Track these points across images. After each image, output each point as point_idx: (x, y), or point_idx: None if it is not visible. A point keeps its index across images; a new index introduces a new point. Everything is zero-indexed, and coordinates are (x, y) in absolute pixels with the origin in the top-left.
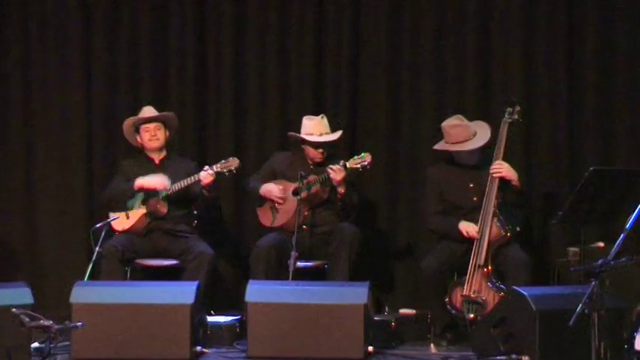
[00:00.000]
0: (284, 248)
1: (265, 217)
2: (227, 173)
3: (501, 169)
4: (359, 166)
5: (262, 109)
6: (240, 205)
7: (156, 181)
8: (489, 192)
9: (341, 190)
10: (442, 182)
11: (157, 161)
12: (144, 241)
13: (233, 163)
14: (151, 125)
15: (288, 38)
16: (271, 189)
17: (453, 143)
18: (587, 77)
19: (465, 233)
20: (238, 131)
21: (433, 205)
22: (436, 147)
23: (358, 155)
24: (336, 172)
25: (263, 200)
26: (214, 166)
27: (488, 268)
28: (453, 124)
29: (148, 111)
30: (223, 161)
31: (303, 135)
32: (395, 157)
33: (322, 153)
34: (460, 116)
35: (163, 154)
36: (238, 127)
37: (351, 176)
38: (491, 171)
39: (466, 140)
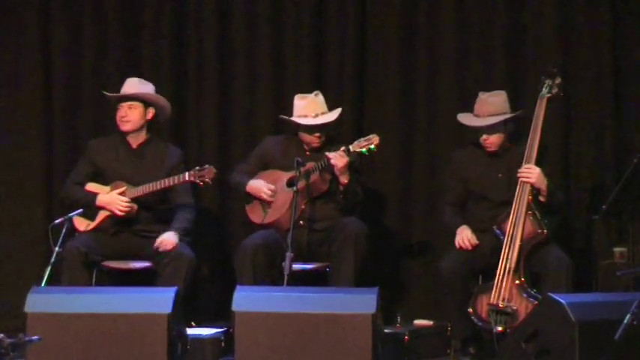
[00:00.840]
0: (277, 248)
1: (255, 214)
2: (201, 184)
3: (530, 175)
4: (364, 149)
5: (251, 89)
6: (224, 199)
7: (119, 205)
8: (521, 187)
9: (344, 179)
10: (466, 169)
11: (133, 145)
12: (112, 241)
13: (208, 173)
14: (125, 104)
15: (281, 2)
16: (259, 186)
17: (475, 116)
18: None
19: (456, 245)
20: (223, 113)
21: (450, 193)
22: (460, 117)
23: (364, 137)
24: (337, 159)
25: (251, 197)
26: (186, 174)
27: (520, 272)
28: (491, 94)
29: (128, 85)
30: (197, 169)
31: (295, 118)
32: (409, 142)
33: (319, 137)
34: (503, 92)
35: (143, 137)
36: (223, 109)
37: (356, 162)
38: (520, 175)
39: (487, 115)
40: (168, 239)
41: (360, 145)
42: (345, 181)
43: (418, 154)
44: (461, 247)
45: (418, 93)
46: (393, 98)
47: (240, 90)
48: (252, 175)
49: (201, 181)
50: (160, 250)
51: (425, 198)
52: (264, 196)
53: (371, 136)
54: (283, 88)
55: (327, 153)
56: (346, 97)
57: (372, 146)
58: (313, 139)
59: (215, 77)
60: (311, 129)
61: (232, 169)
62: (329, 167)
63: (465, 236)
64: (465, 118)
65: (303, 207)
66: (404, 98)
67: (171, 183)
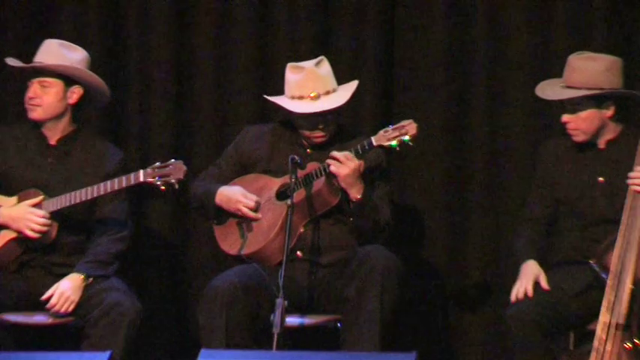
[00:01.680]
0: (262, 292)
1: (229, 240)
2: (163, 187)
3: None
4: (394, 141)
5: (222, 53)
6: (182, 217)
7: (31, 222)
8: (633, 200)
9: (354, 193)
10: (556, 168)
11: (52, 140)
12: (15, 281)
13: (175, 171)
14: (35, 80)
15: None
16: (235, 196)
17: (564, 87)
18: None
19: (512, 297)
20: (180, 96)
21: (532, 205)
22: (540, 87)
23: (394, 125)
24: (338, 166)
25: (223, 214)
26: (140, 173)
27: (632, 331)
28: (588, 56)
29: (43, 52)
30: (159, 165)
31: (285, 101)
32: (461, 132)
33: (323, 129)
34: (609, 58)
35: (65, 128)
36: (180, 90)
37: (382, 162)
38: (630, 182)
39: (575, 86)
40: (61, 294)
41: (388, 137)
42: (357, 196)
43: (474, 149)
44: (518, 298)
45: (473, 60)
46: (437, 68)
47: (205, 56)
48: (226, 182)
49: (165, 183)
50: (52, 312)
51: (485, 214)
52: (244, 211)
53: (405, 122)
54: (271, 53)
55: (333, 154)
56: (368, 67)
57: (407, 137)
58: (314, 134)
59: (167, 34)
60: (309, 119)
61: (195, 176)
62: (331, 174)
63: (525, 281)
64: (545, 89)
65: (302, 230)
66: (453, 68)
67: (116, 187)
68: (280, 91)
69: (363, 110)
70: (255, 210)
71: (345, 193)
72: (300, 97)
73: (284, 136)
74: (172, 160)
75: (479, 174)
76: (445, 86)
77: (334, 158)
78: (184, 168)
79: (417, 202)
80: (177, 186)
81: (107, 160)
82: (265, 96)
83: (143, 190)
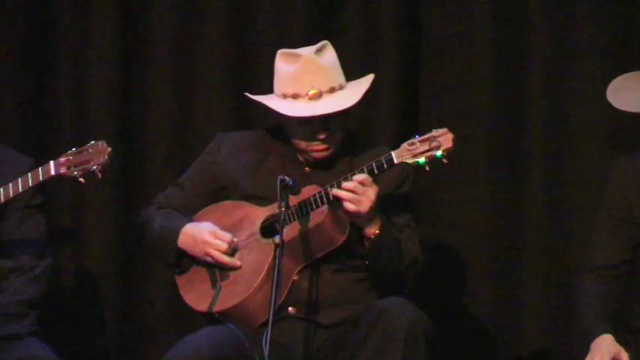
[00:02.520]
0: None
1: (196, 292)
2: (82, 180)
3: None
4: (421, 158)
5: (184, 34)
6: (130, 257)
7: None
8: None
9: (371, 229)
10: (634, 195)
11: None
12: None
13: (95, 155)
14: None
15: None
16: (202, 235)
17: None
18: None
19: None
20: (138, 97)
21: (599, 243)
22: (611, 90)
23: (421, 135)
24: (357, 196)
25: (188, 258)
26: (51, 165)
27: None
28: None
29: None
30: (73, 150)
31: (275, 100)
32: (510, 150)
33: (324, 139)
34: None
35: None
36: (136, 90)
37: (403, 186)
38: None
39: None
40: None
41: (414, 152)
42: (375, 231)
43: (528, 167)
44: None
45: (528, 49)
46: (479, 58)
47: (161, 43)
48: (193, 210)
49: (82, 173)
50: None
51: (543, 253)
52: (215, 256)
53: (436, 132)
54: (252, 37)
55: (344, 185)
56: (384, 56)
57: (439, 153)
58: (313, 146)
59: (110, 17)
60: (307, 125)
61: (148, 202)
62: (337, 203)
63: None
64: (620, 92)
65: (295, 278)
66: (501, 59)
67: (20, 189)
68: (266, 89)
69: (379, 114)
70: (232, 253)
71: (355, 228)
72: (295, 96)
73: (273, 149)
74: (91, 142)
75: (534, 200)
76: (490, 83)
77: (348, 190)
78: (108, 149)
79: (452, 237)
80: (100, 175)
81: (10, 171)
82: (247, 94)
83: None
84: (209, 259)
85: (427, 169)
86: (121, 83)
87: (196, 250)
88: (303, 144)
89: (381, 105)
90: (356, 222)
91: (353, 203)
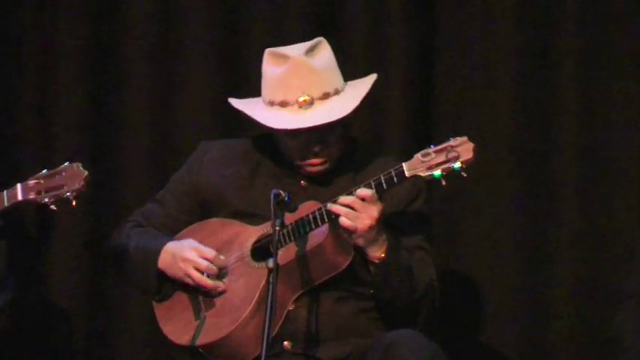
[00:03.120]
0: None
1: (176, 323)
2: (53, 207)
3: None
4: (437, 171)
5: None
6: (102, 294)
7: None
8: None
9: (375, 251)
10: None
11: None
12: None
13: (70, 179)
14: None
15: None
16: (184, 253)
17: None
18: None
19: None
20: (110, 101)
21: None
22: None
23: (437, 145)
24: (357, 213)
25: (168, 283)
26: (17, 188)
27: None
28: None
29: None
30: (44, 173)
31: (261, 109)
32: (539, 160)
33: (320, 153)
34: None
35: None
36: (107, 94)
37: (415, 202)
38: None
39: None
40: None
41: (428, 164)
42: (380, 255)
43: (560, 179)
44: None
45: (560, 46)
46: (503, 54)
47: (138, 40)
48: (174, 230)
49: (54, 199)
50: None
51: (577, 281)
52: (194, 277)
53: (454, 141)
54: (239, 34)
55: (341, 199)
56: (393, 55)
57: (457, 165)
58: (308, 161)
59: (77, 14)
60: (299, 139)
61: (122, 220)
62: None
63: None
64: None
65: (291, 308)
66: (528, 57)
67: None
68: (254, 91)
69: (387, 120)
70: (219, 275)
71: (359, 251)
72: (283, 104)
73: (265, 160)
74: (65, 164)
75: (567, 216)
76: (515, 84)
77: (346, 205)
78: (84, 173)
79: (473, 259)
80: (74, 202)
81: None
82: (231, 100)
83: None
84: (189, 281)
85: (443, 183)
86: (91, 89)
87: (176, 270)
88: (296, 159)
89: (389, 110)
90: (357, 243)
91: (350, 218)
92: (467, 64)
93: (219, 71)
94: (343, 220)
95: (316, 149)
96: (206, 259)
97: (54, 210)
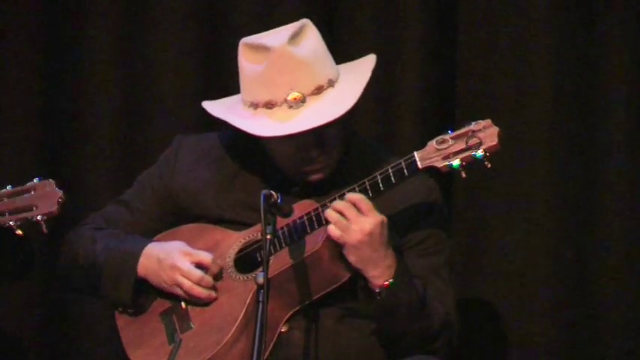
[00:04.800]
0: None
1: (146, 347)
2: (19, 232)
3: None
4: (456, 160)
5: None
6: (59, 316)
7: None
8: None
9: (377, 276)
10: None
11: None
12: None
13: (41, 199)
14: None
15: None
16: (167, 255)
17: None
18: None
19: None
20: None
21: None
22: None
23: (456, 130)
24: (347, 222)
25: (145, 297)
26: None
27: None
28: None
29: None
30: (8, 189)
31: (241, 115)
32: (579, 156)
33: (320, 158)
34: None
35: None
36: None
37: (430, 202)
38: None
39: None
40: None
41: (445, 152)
42: (383, 282)
43: (606, 182)
44: None
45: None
46: (533, 35)
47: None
48: (145, 236)
49: (22, 222)
50: None
51: (623, 299)
52: (185, 286)
53: (477, 125)
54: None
55: (335, 205)
56: (409, 38)
57: (479, 153)
58: (305, 168)
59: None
60: (292, 144)
61: (78, 223)
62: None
63: None
64: None
65: (284, 330)
66: (561, 44)
67: None
68: (226, 90)
69: (397, 109)
70: (211, 283)
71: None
72: (269, 105)
73: (250, 158)
74: (35, 181)
75: (614, 224)
76: (554, 70)
77: (337, 211)
78: (58, 193)
79: (499, 275)
80: (44, 226)
81: None
82: (205, 103)
83: None
84: (177, 290)
85: (463, 175)
86: (48, 76)
87: (161, 278)
88: (290, 167)
89: (400, 98)
90: (356, 266)
91: (339, 228)
92: (495, 41)
93: (198, 57)
94: (331, 229)
95: (314, 154)
96: (201, 266)
97: (20, 234)
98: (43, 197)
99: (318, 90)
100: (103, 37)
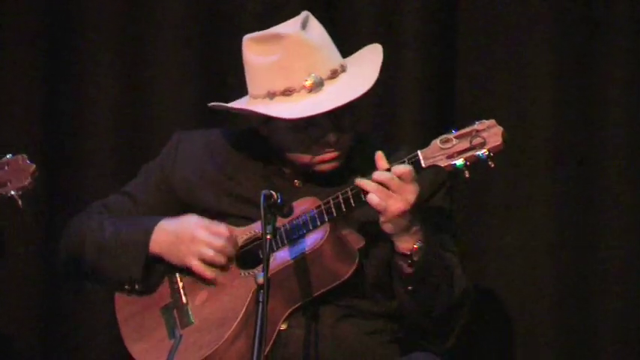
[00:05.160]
0: None
1: (148, 344)
2: None
3: None
4: (459, 160)
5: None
6: (58, 313)
7: None
8: None
9: (407, 241)
10: None
11: None
12: None
13: (15, 174)
14: None
15: None
16: (185, 228)
17: None
18: None
19: None
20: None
21: None
22: None
23: (460, 129)
24: (391, 192)
25: (154, 277)
26: None
27: None
28: None
29: None
30: None
31: (259, 107)
32: (582, 154)
33: (338, 143)
34: None
35: None
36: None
37: (434, 196)
38: None
39: None
40: None
41: (449, 151)
42: (412, 246)
43: (607, 178)
44: None
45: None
46: (534, 32)
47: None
48: None
49: None
50: None
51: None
52: (208, 256)
53: (480, 124)
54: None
55: (376, 175)
56: (408, 29)
57: (483, 152)
58: (322, 156)
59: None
60: (311, 131)
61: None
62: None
63: None
64: None
65: (283, 327)
66: (561, 31)
67: None
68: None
69: (398, 105)
70: (232, 253)
71: (377, 245)
72: (288, 92)
73: (250, 154)
74: (7, 156)
75: (614, 224)
76: (549, 72)
77: (379, 182)
78: (31, 167)
79: (501, 276)
80: (20, 201)
81: None
82: (213, 105)
83: None
84: (194, 262)
85: (467, 174)
86: (48, 76)
87: (180, 251)
88: (306, 157)
89: (401, 93)
90: (384, 230)
91: (379, 197)
92: (495, 39)
93: (198, 54)
94: (372, 198)
95: (332, 139)
96: (221, 236)
97: None
98: (17, 172)
99: (334, 74)
100: (103, 37)
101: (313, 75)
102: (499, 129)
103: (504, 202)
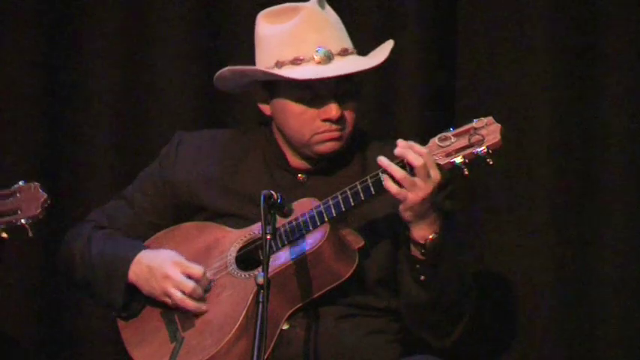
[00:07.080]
0: None
1: (147, 347)
2: (3, 233)
3: None
4: (458, 157)
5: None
6: (57, 315)
7: None
8: None
9: (423, 229)
10: None
11: None
12: None
13: (26, 203)
14: None
15: None
16: (158, 266)
17: None
18: None
19: None
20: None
21: None
22: None
23: (458, 127)
24: (396, 175)
25: (138, 300)
26: None
27: None
28: None
29: None
30: None
31: (277, 70)
32: (584, 151)
33: (340, 120)
34: None
35: None
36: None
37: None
38: None
39: None
40: None
41: (448, 149)
42: (428, 235)
43: (608, 174)
44: None
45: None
46: (533, 27)
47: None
48: (140, 234)
49: (8, 226)
50: None
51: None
52: (175, 297)
53: (479, 122)
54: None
55: (399, 150)
56: (409, 25)
57: (482, 149)
58: (323, 133)
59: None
60: (314, 104)
61: (77, 222)
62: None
63: None
64: None
65: (285, 328)
66: (558, 31)
67: None
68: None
69: (399, 101)
70: (202, 296)
71: (391, 235)
72: (297, 61)
73: (252, 152)
74: (20, 184)
75: (615, 225)
76: (549, 71)
77: (388, 164)
78: (43, 196)
79: (499, 274)
80: (30, 231)
81: None
82: (229, 68)
83: None
84: (168, 300)
85: (466, 172)
86: (48, 77)
87: (153, 287)
88: (306, 133)
89: (401, 90)
90: (403, 217)
91: (405, 185)
92: (493, 30)
93: (199, 48)
94: (390, 186)
95: (334, 111)
96: (192, 278)
97: (5, 238)
98: (28, 200)
99: (344, 52)
100: (103, 37)
101: (324, 49)
102: (497, 126)
103: (504, 203)
